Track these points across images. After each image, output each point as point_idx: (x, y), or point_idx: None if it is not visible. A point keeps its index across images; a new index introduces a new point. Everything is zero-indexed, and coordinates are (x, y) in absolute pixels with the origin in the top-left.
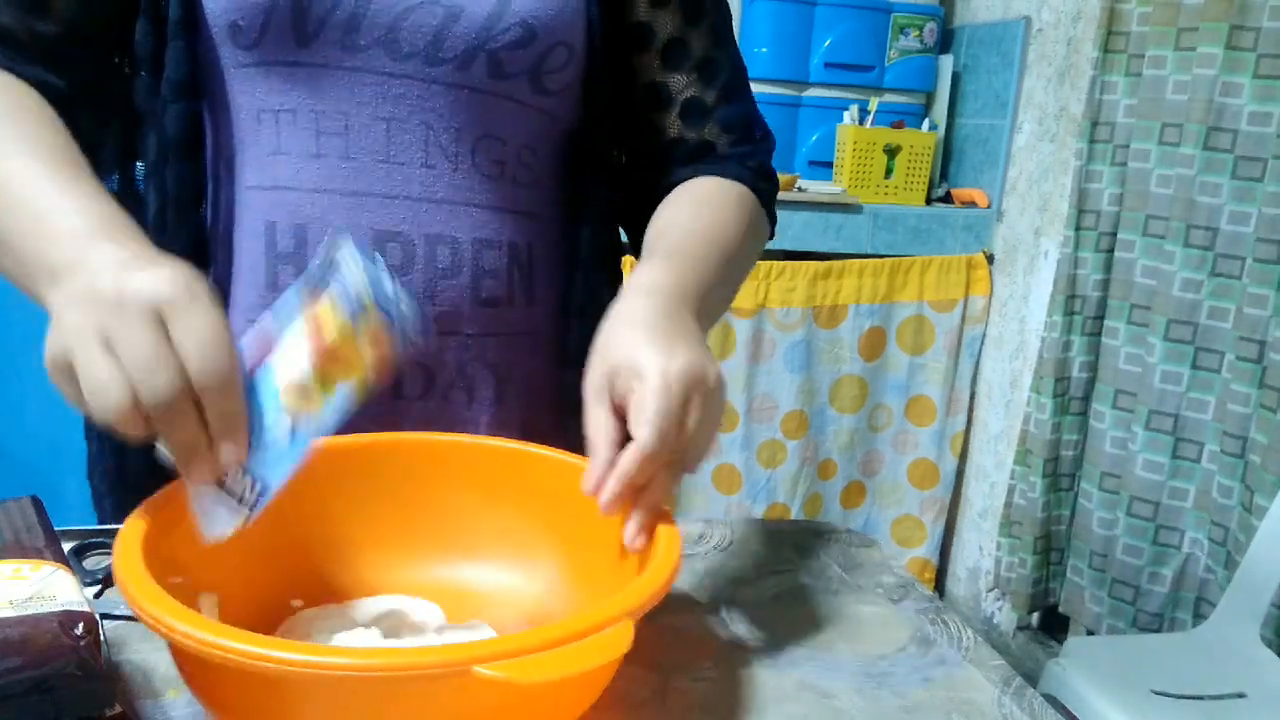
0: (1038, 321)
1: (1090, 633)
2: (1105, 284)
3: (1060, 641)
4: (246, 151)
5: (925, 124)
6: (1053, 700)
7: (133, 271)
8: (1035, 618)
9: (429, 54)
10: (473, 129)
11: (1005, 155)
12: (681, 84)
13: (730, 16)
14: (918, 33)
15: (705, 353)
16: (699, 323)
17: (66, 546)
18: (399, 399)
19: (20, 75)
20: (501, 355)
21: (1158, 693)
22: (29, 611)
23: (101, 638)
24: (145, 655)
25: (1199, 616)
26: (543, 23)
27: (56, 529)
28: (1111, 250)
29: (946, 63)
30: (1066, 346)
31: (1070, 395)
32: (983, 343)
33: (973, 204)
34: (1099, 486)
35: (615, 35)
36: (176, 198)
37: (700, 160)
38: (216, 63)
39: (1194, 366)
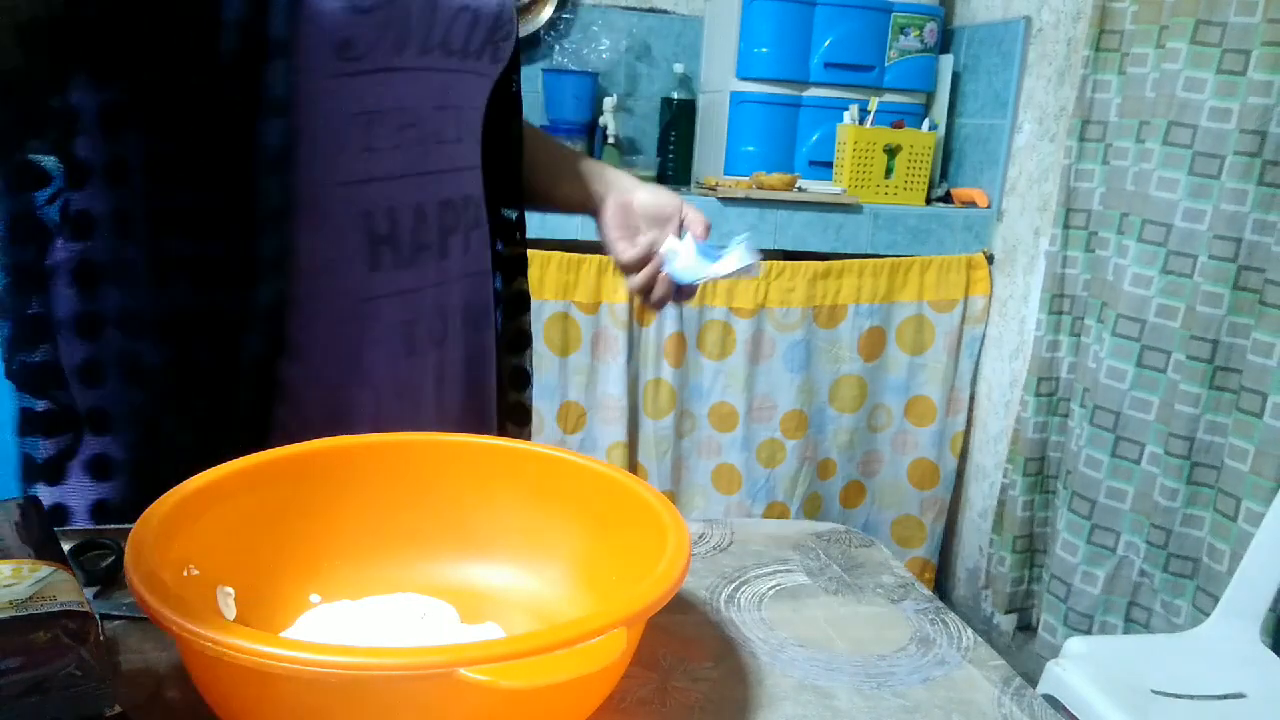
0: (1036, 321)
1: (1053, 635)
2: (1090, 284)
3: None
4: (340, 153)
5: (925, 124)
6: (1053, 700)
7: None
8: (1035, 618)
9: (464, 50)
10: (475, 104)
11: (1005, 155)
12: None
13: None
14: (918, 33)
15: None
16: None
17: (66, 546)
18: (465, 341)
19: None
20: (492, 285)
21: (1158, 693)
22: (29, 611)
23: (101, 638)
24: (145, 655)
25: (1130, 621)
26: (514, 16)
27: (56, 529)
28: (1096, 250)
29: (946, 63)
30: (1053, 346)
31: (1058, 396)
32: (982, 343)
33: (973, 204)
34: (1063, 485)
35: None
36: (277, 209)
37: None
38: (301, 76)
39: (1139, 365)
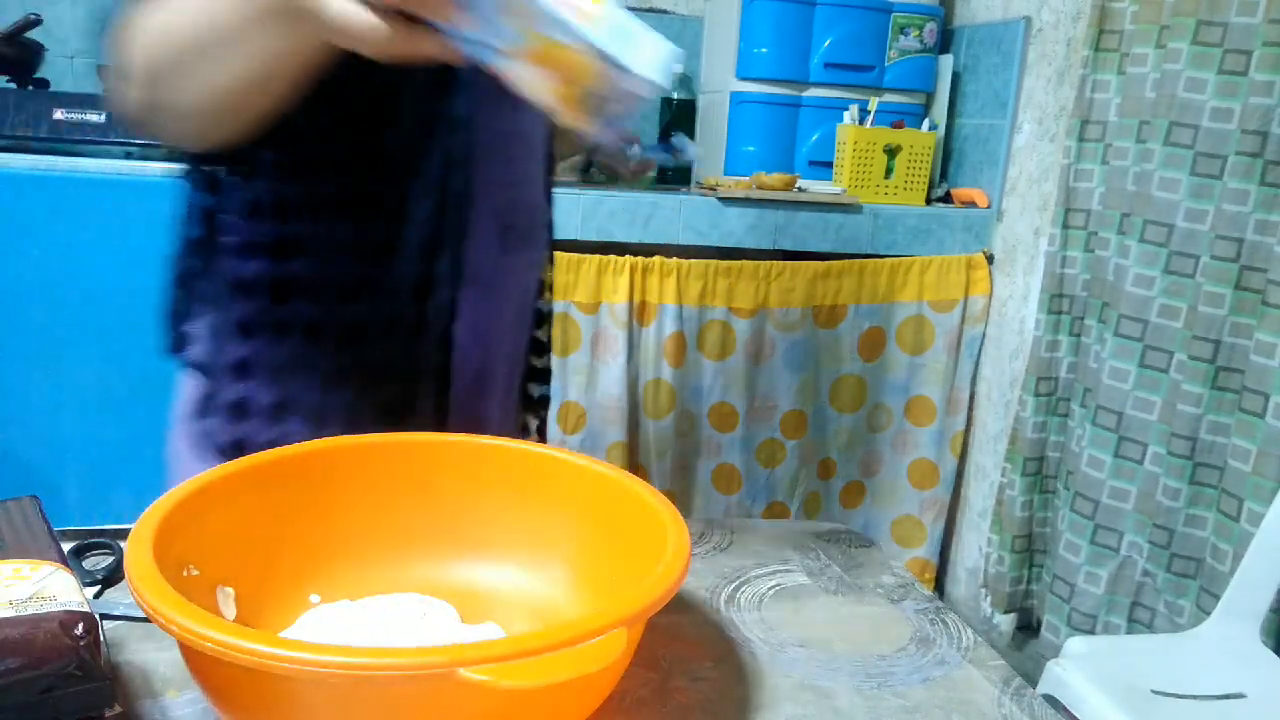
0: (1035, 321)
1: (1055, 635)
2: (1090, 284)
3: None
4: (487, 160)
5: (925, 124)
6: (1053, 700)
7: None
8: (1035, 618)
9: None
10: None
11: (1005, 155)
12: None
13: None
14: (918, 33)
15: None
16: None
17: (66, 546)
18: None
19: None
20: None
21: (1158, 693)
22: (29, 611)
23: (101, 638)
24: (145, 655)
25: (1134, 621)
26: None
27: (56, 529)
28: (1096, 250)
29: (946, 63)
30: (1053, 346)
31: (1057, 395)
32: (982, 343)
33: (973, 204)
34: (1064, 486)
35: None
36: (462, 195)
37: None
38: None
39: (1141, 365)
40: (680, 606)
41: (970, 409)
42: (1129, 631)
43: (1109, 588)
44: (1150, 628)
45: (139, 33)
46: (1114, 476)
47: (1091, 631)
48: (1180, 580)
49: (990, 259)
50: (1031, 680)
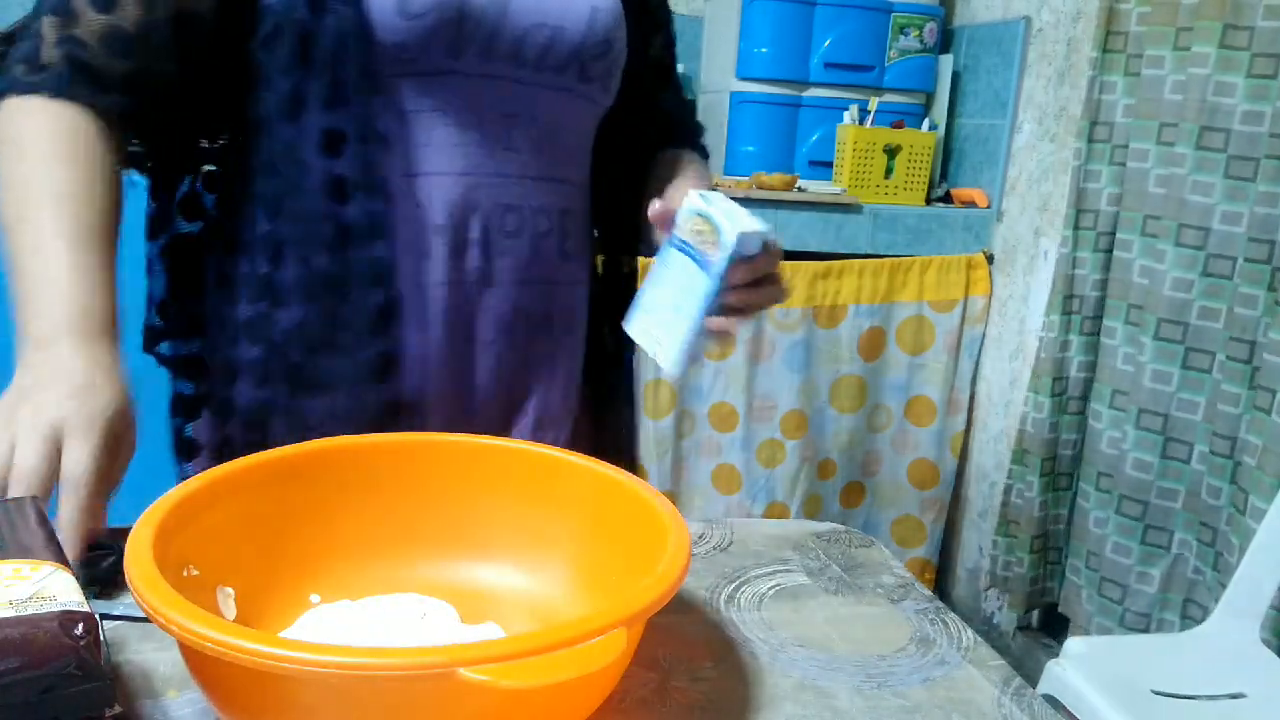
0: (1037, 322)
1: (1085, 633)
2: (1103, 284)
3: (1060, 641)
4: (401, 144)
5: (925, 124)
6: (1053, 700)
7: (56, 388)
8: (1035, 617)
9: (538, 63)
10: (560, 120)
11: (1005, 155)
12: (658, 91)
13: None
14: (918, 33)
15: None
16: None
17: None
18: (470, 342)
19: (98, 105)
20: (577, 298)
21: (1158, 693)
22: (29, 611)
23: (101, 638)
24: (145, 655)
25: (1187, 618)
26: (616, 37)
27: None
28: (1110, 250)
29: (946, 63)
30: (1064, 346)
31: (1068, 395)
32: (982, 343)
33: (972, 204)
34: (1095, 486)
35: (640, 51)
36: (365, 183)
37: (669, 136)
38: (364, 72)
39: (1184, 366)
40: (680, 606)
41: (970, 409)
42: (1182, 629)
43: (1162, 586)
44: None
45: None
46: (1161, 477)
47: (1146, 630)
48: (1225, 578)
49: (990, 259)
50: (1032, 680)
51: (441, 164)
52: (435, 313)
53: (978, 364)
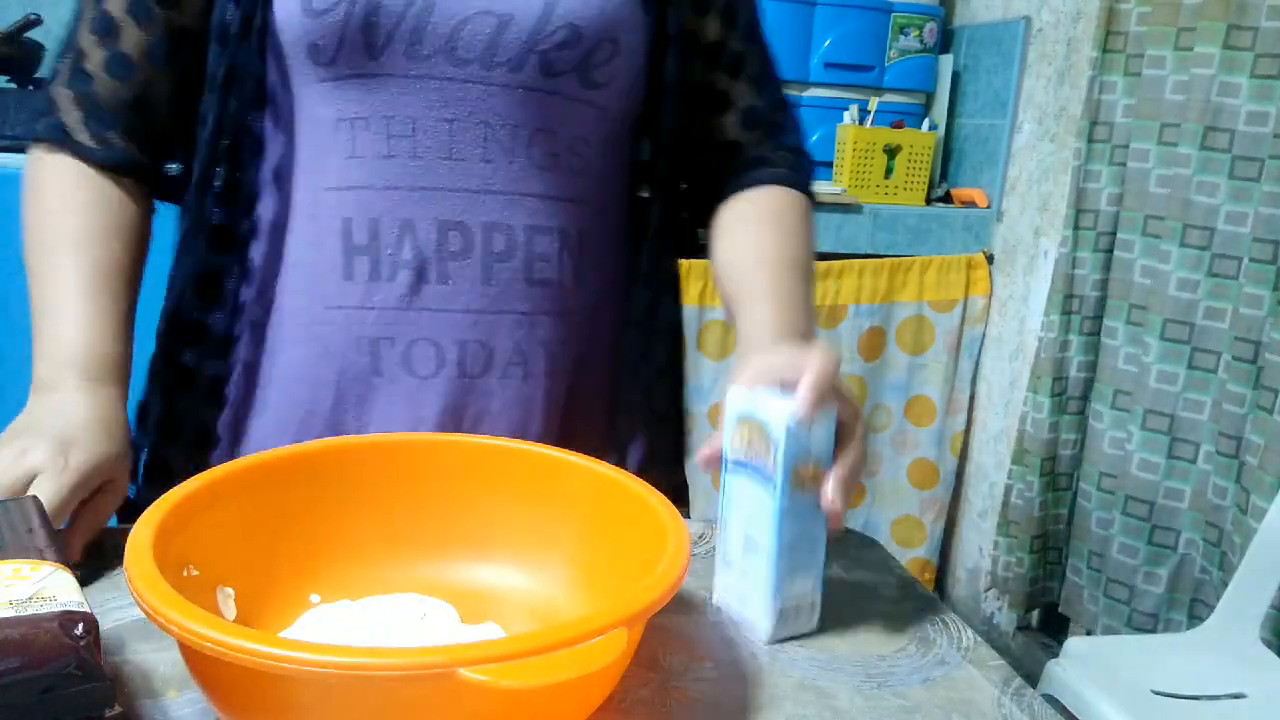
0: (1037, 322)
1: (1089, 633)
2: (1103, 284)
3: (1060, 641)
4: (325, 157)
5: (925, 124)
6: (1053, 700)
7: (43, 434)
8: (1035, 617)
9: (485, 59)
10: (527, 125)
11: (1005, 155)
12: (725, 84)
13: (756, 5)
14: (918, 33)
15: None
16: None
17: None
18: (463, 377)
19: (102, 140)
20: (553, 333)
21: (1158, 693)
22: (29, 611)
23: (101, 638)
24: (145, 655)
25: (1194, 617)
26: (588, 21)
27: (60, 528)
28: (1110, 250)
29: (946, 63)
30: (1064, 346)
31: (1068, 395)
32: (982, 343)
33: (972, 204)
34: (1097, 486)
35: (666, 34)
36: (229, 204)
37: (750, 164)
38: (289, 79)
39: (1190, 366)
40: (680, 606)
41: (970, 409)
42: (1189, 628)
43: (1169, 587)
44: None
45: (29, 194)
46: (1168, 477)
47: (1153, 630)
48: (1231, 577)
49: (990, 259)
50: (1032, 680)
51: (363, 177)
52: (353, 339)
53: (978, 364)
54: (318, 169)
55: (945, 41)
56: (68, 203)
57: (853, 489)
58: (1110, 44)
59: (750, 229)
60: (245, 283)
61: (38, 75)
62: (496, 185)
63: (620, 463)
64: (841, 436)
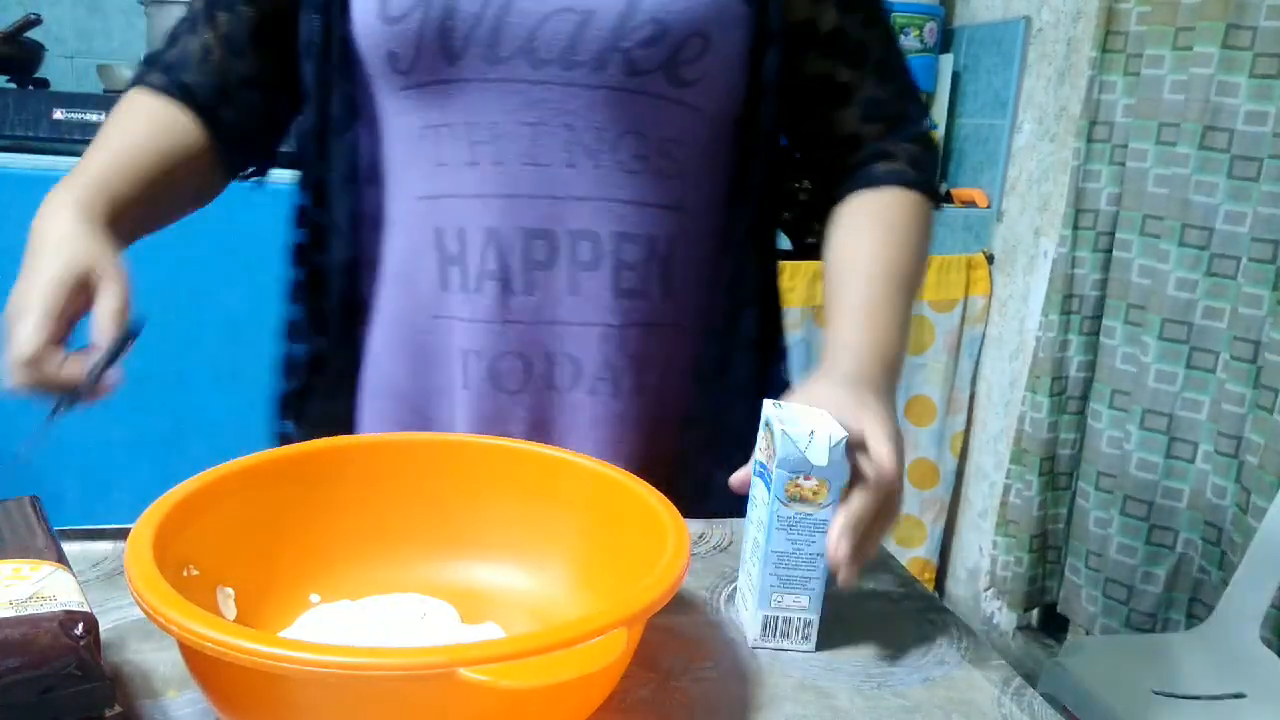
0: (1037, 321)
1: (1087, 633)
2: (1103, 284)
3: (1060, 641)
4: (412, 167)
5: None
6: (1053, 700)
7: (44, 250)
8: (1035, 617)
9: (565, 59)
10: (613, 126)
11: (1005, 155)
12: (844, 74)
13: None
14: (918, 32)
15: (893, 419)
16: (891, 378)
17: (66, 546)
18: (550, 390)
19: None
20: (643, 345)
21: (1158, 693)
22: (29, 611)
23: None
24: (145, 655)
25: (1193, 617)
26: (675, 16)
27: (56, 529)
28: (1109, 250)
29: (946, 62)
30: (1063, 346)
31: (1068, 394)
32: (982, 343)
33: (972, 204)
34: (1095, 486)
35: (768, 29)
36: (354, 215)
37: (870, 158)
38: (375, 90)
39: (1189, 366)
40: (680, 606)
41: (970, 409)
42: (1188, 629)
43: (1168, 586)
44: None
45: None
46: (1166, 477)
47: (1152, 630)
48: (1230, 577)
49: (990, 259)
50: (1032, 680)
51: (450, 185)
52: (442, 351)
53: (978, 364)
54: (408, 178)
55: (945, 41)
56: (133, 106)
57: (856, 537)
58: (1110, 44)
59: (858, 236)
60: (345, 286)
61: (38, 75)
62: (581, 190)
63: (696, 487)
64: (853, 483)
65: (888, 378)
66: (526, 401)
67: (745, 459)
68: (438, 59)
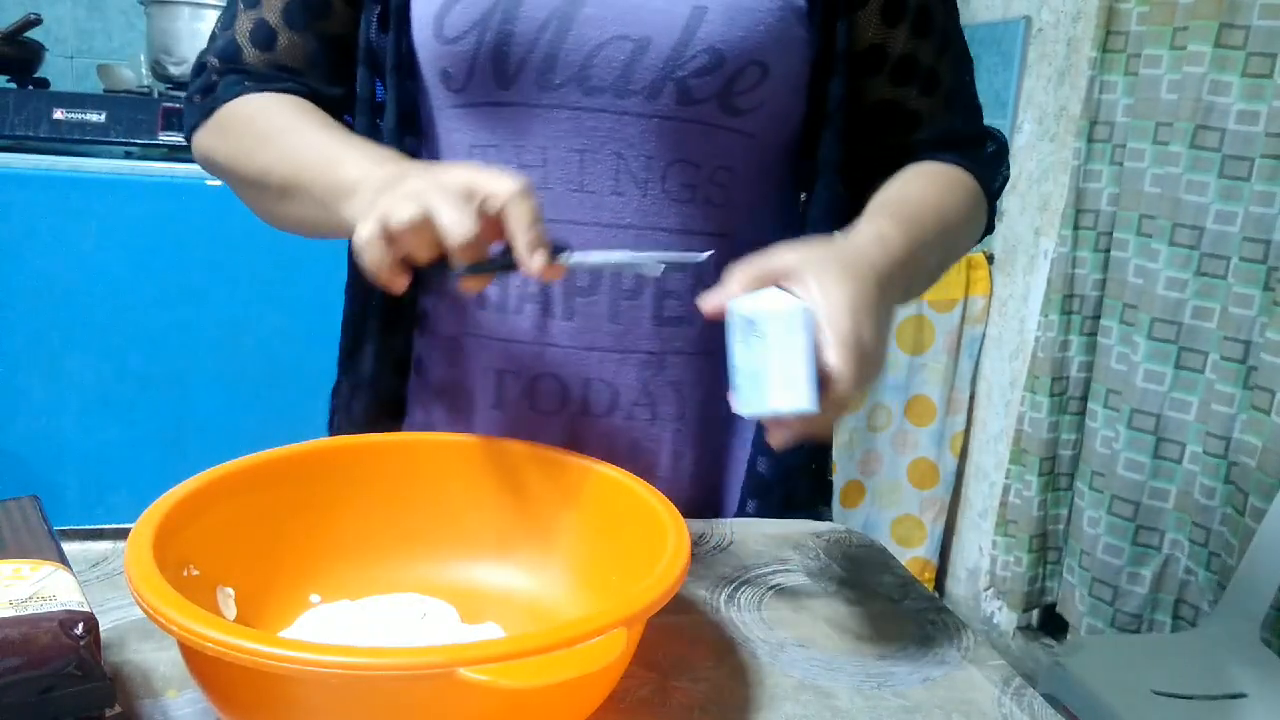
0: (1037, 321)
1: (1080, 634)
2: (1103, 284)
3: (1060, 641)
4: None
5: None
6: (1053, 700)
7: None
8: (1035, 617)
9: (619, 87)
10: (664, 155)
11: None
12: (914, 102)
13: (956, 11)
14: None
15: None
16: (898, 287)
17: (66, 546)
18: (585, 415)
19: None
20: (684, 374)
21: (1158, 693)
22: (29, 611)
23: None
24: (145, 655)
25: (1178, 618)
26: (732, 45)
27: (56, 529)
28: (1109, 250)
29: None
30: (1063, 346)
31: (1068, 395)
32: (982, 343)
33: None
34: (1090, 486)
35: (832, 54)
36: None
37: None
38: (429, 104)
39: (1177, 366)
40: (680, 606)
41: (970, 409)
42: (1174, 630)
43: (1153, 587)
44: (1194, 625)
45: (228, 137)
46: (1154, 477)
47: (1136, 631)
48: (1220, 578)
49: (990, 259)
50: (1032, 680)
51: None
52: (482, 368)
53: (978, 364)
54: None
55: None
56: (265, 104)
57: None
58: (1110, 44)
59: (915, 181)
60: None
61: (38, 75)
62: (628, 218)
63: (744, 513)
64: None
65: (899, 294)
66: (561, 423)
67: (783, 489)
68: (490, 81)
